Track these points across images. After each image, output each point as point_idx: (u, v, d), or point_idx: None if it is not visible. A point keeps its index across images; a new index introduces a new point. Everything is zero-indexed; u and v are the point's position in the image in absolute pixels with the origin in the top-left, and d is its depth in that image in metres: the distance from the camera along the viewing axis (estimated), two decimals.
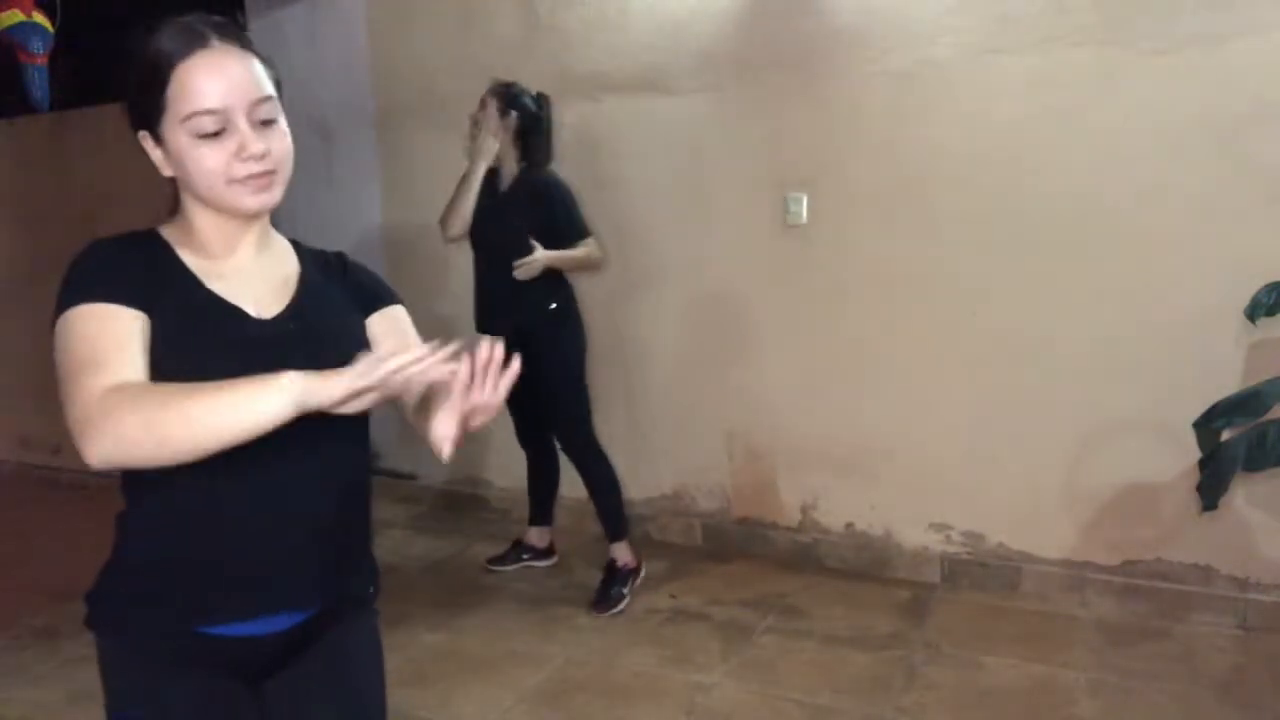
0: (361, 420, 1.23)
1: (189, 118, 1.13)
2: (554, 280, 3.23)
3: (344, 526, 1.28)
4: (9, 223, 5.06)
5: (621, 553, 3.28)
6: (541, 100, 3.26)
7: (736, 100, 3.45)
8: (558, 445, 3.41)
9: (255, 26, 4.18)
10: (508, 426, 3.67)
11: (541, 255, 3.14)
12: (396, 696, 2.68)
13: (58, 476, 4.82)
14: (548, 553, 3.63)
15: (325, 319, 1.28)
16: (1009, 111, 3.05)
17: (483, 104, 3.22)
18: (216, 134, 1.13)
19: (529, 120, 3.21)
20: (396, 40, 4.09)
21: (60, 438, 5.38)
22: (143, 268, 1.16)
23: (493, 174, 3.30)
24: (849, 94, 3.26)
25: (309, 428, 1.12)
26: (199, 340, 1.16)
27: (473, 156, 3.24)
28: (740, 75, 3.43)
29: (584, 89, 3.67)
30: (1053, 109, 2.99)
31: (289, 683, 1.29)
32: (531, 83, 3.76)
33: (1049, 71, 2.98)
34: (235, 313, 1.20)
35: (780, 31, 3.33)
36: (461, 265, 4.01)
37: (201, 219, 1.21)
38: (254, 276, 1.24)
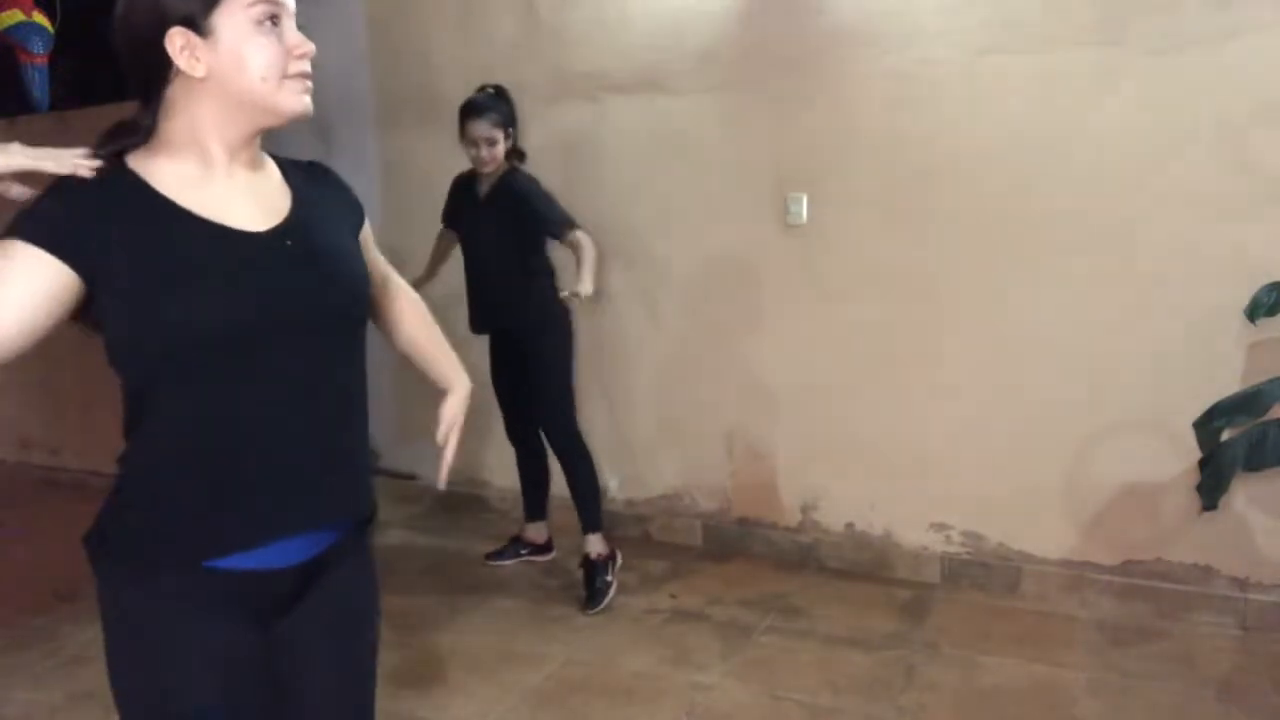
0: (358, 324, 1.30)
1: (257, 2, 1.13)
2: (542, 280, 3.30)
3: (346, 437, 1.28)
4: (9, 224, 5.06)
5: (595, 545, 3.28)
6: (507, 96, 3.27)
7: (736, 100, 3.45)
8: (544, 439, 3.43)
9: None
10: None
11: (585, 287, 3.10)
12: (396, 697, 2.69)
13: (58, 476, 4.82)
14: (546, 548, 3.65)
15: (326, 237, 1.27)
16: (1009, 112, 3.05)
17: (477, 144, 3.16)
18: (274, 25, 1.15)
19: (513, 121, 3.26)
20: (396, 40, 4.09)
21: (60, 438, 5.40)
22: (109, 215, 1.12)
23: (469, 177, 3.34)
24: (849, 94, 3.26)
25: (305, 333, 1.19)
26: (188, 271, 1.14)
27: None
28: (740, 75, 3.43)
29: (584, 89, 3.68)
30: (1053, 109, 2.99)
31: (296, 623, 1.28)
32: (531, 82, 3.77)
33: (1049, 71, 2.98)
34: (224, 233, 1.17)
35: (780, 31, 3.33)
36: (457, 263, 4.01)
37: (210, 130, 1.17)
38: (243, 194, 1.21)
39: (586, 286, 3.01)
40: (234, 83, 1.14)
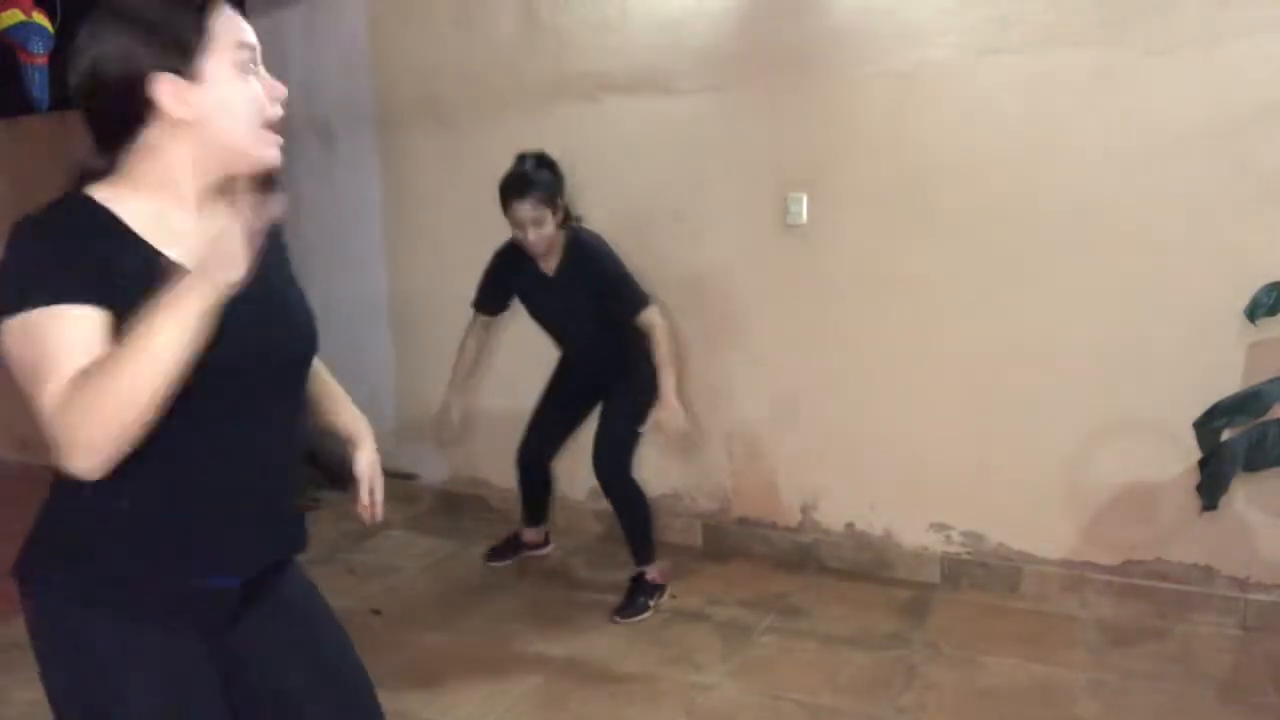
0: (310, 364, 1.35)
1: (239, 47, 1.15)
2: (634, 339, 3.07)
3: (299, 466, 1.33)
4: (9, 223, 5.06)
5: (651, 570, 3.24)
6: (550, 162, 3.02)
7: (736, 100, 3.45)
8: (596, 477, 3.25)
9: (255, 26, 4.15)
10: (508, 425, 3.66)
11: (674, 413, 3.02)
12: (397, 697, 2.68)
13: None
14: (544, 543, 3.69)
15: (286, 283, 1.32)
16: (1009, 112, 3.05)
17: (523, 226, 2.91)
18: (253, 69, 1.17)
19: (561, 192, 3.00)
20: (396, 40, 4.09)
21: None
22: (96, 249, 1.09)
23: (521, 250, 3.05)
24: (849, 94, 3.26)
25: (276, 373, 1.23)
26: None
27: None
28: (740, 75, 3.42)
29: (584, 89, 3.68)
30: (1053, 109, 2.99)
31: (255, 634, 1.29)
32: (532, 82, 3.76)
33: (1049, 71, 2.98)
34: None
35: (780, 31, 3.33)
36: (459, 263, 4.01)
37: (187, 173, 1.15)
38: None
39: (677, 418, 2.99)
40: (218, 127, 1.14)
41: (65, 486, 1.19)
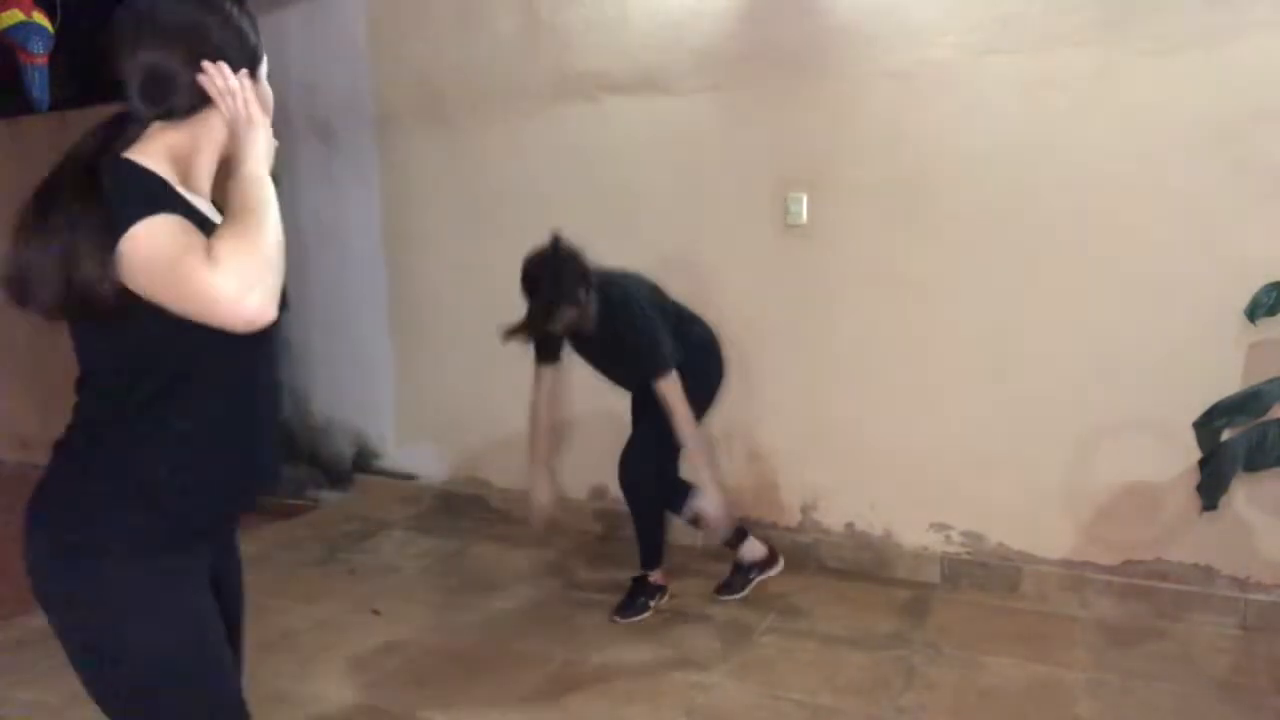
0: None
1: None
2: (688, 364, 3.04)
3: (280, 407, 1.53)
4: (8, 223, 5.06)
5: (654, 573, 3.22)
6: (563, 255, 2.88)
7: (736, 100, 3.45)
8: (620, 475, 3.20)
9: None
10: (507, 425, 3.66)
11: (712, 498, 2.97)
12: (396, 697, 2.69)
13: None
14: (771, 560, 3.36)
15: None
16: (1009, 112, 3.05)
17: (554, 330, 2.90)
18: None
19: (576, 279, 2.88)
20: (396, 40, 4.09)
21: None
22: (178, 196, 1.25)
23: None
24: (849, 94, 3.26)
25: (275, 330, 1.32)
26: None
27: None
28: (740, 75, 3.43)
29: (584, 89, 3.68)
30: (1053, 109, 2.99)
31: (223, 562, 1.47)
32: (532, 82, 3.76)
33: (1049, 71, 2.98)
34: None
35: (780, 31, 3.33)
36: (458, 263, 4.01)
37: (214, 152, 1.34)
38: (211, 211, 1.37)
39: (716, 509, 2.95)
40: (257, 120, 1.33)
41: (98, 424, 1.31)
